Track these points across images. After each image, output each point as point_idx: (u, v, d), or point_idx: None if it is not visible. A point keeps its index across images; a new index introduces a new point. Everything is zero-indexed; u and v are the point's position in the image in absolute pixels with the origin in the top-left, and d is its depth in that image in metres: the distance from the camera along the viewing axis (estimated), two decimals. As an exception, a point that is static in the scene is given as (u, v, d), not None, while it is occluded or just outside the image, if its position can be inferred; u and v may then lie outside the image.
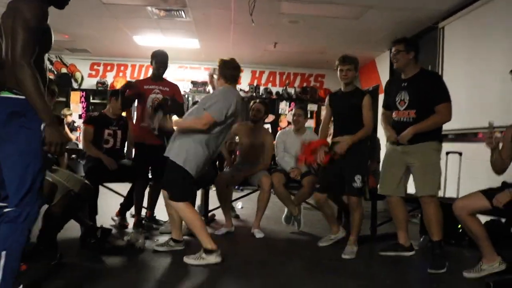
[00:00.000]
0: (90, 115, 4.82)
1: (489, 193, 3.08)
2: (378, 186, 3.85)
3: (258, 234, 4.30)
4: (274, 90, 10.36)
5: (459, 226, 4.00)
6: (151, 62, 4.51)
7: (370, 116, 3.73)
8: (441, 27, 6.08)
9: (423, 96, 3.44)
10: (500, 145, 3.16)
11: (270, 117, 9.91)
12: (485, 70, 5.08)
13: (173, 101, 4.43)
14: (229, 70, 3.46)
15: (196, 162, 3.27)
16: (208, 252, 3.24)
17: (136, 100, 4.52)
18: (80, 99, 9.84)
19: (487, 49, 5.08)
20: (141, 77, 9.55)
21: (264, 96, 10.09)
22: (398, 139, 3.49)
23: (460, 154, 4.95)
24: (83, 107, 9.78)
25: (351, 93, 3.81)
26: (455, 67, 5.78)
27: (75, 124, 8.99)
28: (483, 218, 3.54)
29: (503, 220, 3.90)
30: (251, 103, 4.86)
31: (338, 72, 3.77)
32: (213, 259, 3.23)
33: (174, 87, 4.60)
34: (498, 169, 3.19)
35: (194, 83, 9.99)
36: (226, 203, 4.49)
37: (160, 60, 4.47)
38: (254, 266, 3.36)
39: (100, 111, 4.79)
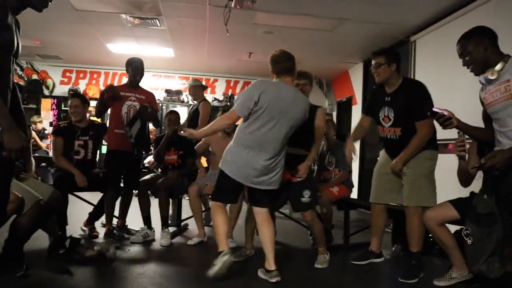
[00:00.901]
0: (58, 126, 4.51)
1: (458, 203, 3.14)
2: (371, 194, 3.82)
3: (231, 244, 4.27)
4: (248, 100, 10.36)
5: (430, 235, 4.06)
6: (127, 70, 4.43)
7: (322, 128, 3.73)
8: (413, 41, 6.22)
9: (406, 113, 3.39)
10: (466, 156, 3.22)
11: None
12: (452, 83, 5.22)
13: (152, 109, 4.40)
14: (275, 65, 3.41)
15: (235, 164, 3.16)
16: (219, 253, 3.15)
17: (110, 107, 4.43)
18: (52, 107, 9.66)
19: (454, 62, 5.20)
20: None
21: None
22: (391, 167, 3.47)
23: (431, 164, 5.03)
24: (54, 115, 9.60)
25: None
26: (426, 80, 5.83)
27: (46, 132, 8.81)
28: (453, 228, 3.61)
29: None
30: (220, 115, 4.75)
31: None
32: (221, 259, 3.09)
33: (150, 95, 4.56)
34: (464, 180, 3.25)
35: (168, 91, 9.94)
36: (198, 213, 4.46)
37: (136, 67, 4.41)
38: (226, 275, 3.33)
39: (70, 119, 4.51)
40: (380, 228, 3.80)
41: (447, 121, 2.73)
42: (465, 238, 2.33)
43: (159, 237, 4.27)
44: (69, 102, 4.38)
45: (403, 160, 3.40)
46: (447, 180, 4.89)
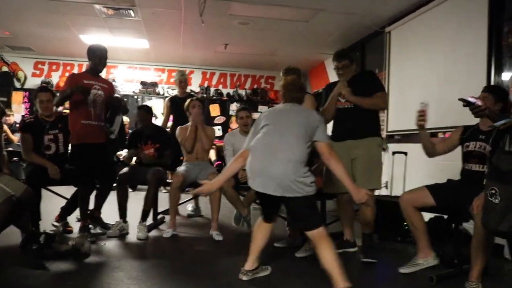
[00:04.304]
0: (25, 121, 4.35)
1: (434, 189, 3.23)
2: (324, 184, 3.87)
3: (217, 237, 4.21)
4: (224, 91, 10.35)
5: (405, 224, 4.12)
6: (90, 57, 4.28)
7: None
8: (388, 32, 6.27)
9: (359, 91, 3.61)
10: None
11: (221, 119, 9.92)
12: (427, 73, 5.29)
13: (122, 100, 4.34)
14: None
15: None
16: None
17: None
18: (23, 100, 9.45)
19: (428, 53, 5.29)
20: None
21: (214, 97, 10.09)
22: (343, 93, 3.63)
23: (406, 154, 5.12)
24: (26, 108, 9.40)
25: None
26: (400, 70, 5.98)
27: (17, 125, 8.60)
28: (427, 216, 3.68)
29: (445, 217, 4.06)
30: (188, 103, 4.71)
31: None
32: None
33: (110, 84, 4.53)
34: (428, 151, 3.42)
35: (143, 83, 9.82)
36: (175, 204, 4.47)
37: (100, 55, 4.27)
38: (202, 267, 3.32)
39: (36, 114, 4.34)
40: (349, 218, 3.87)
41: (482, 111, 2.71)
42: (490, 198, 2.30)
43: (136, 231, 4.22)
44: (38, 96, 4.20)
45: (355, 99, 3.60)
46: (421, 168, 4.99)
